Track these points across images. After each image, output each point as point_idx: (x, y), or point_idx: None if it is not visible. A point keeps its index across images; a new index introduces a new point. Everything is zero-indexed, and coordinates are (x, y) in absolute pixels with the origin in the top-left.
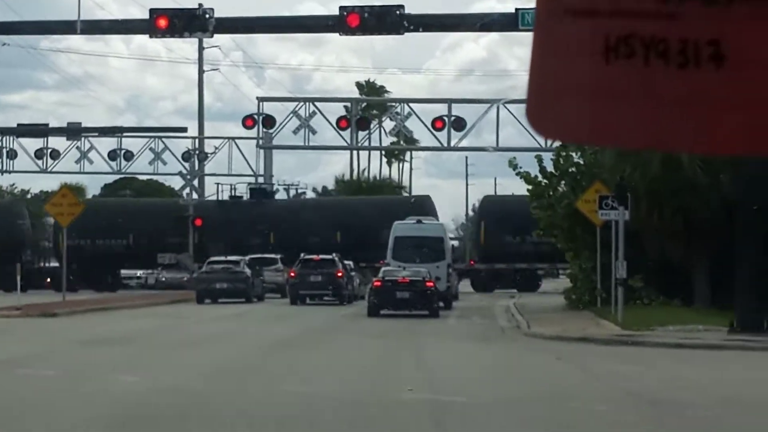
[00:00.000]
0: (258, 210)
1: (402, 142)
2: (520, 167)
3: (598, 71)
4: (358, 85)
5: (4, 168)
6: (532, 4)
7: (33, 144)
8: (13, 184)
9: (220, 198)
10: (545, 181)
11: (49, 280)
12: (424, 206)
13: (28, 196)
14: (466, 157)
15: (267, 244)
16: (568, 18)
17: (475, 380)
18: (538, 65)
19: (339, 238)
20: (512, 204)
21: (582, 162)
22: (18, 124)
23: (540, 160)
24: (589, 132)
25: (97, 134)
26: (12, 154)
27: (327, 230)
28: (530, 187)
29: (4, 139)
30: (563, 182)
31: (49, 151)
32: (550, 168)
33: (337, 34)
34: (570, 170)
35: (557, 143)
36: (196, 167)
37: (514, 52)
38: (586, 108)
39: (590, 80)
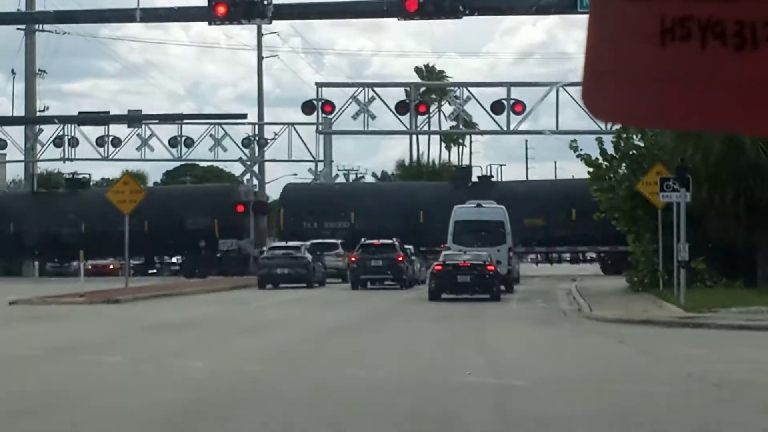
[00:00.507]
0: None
1: (461, 126)
2: (581, 150)
3: (653, 53)
4: (417, 69)
5: (66, 156)
6: None
7: (94, 132)
8: (75, 172)
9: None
10: (606, 163)
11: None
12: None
13: (91, 184)
14: (526, 141)
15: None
16: (623, 1)
17: (536, 364)
18: (593, 48)
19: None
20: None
21: (642, 144)
22: (79, 112)
23: (600, 142)
24: (645, 114)
25: (157, 121)
26: (74, 142)
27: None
28: (591, 170)
29: (66, 127)
30: (624, 164)
31: (111, 138)
32: (610, 150)
33: (395, 19)
34: (630, 152)
35: (617, 126)
36: (256, 153)
37: (573, 35)
38: (642, 90)
39: (646, 62)
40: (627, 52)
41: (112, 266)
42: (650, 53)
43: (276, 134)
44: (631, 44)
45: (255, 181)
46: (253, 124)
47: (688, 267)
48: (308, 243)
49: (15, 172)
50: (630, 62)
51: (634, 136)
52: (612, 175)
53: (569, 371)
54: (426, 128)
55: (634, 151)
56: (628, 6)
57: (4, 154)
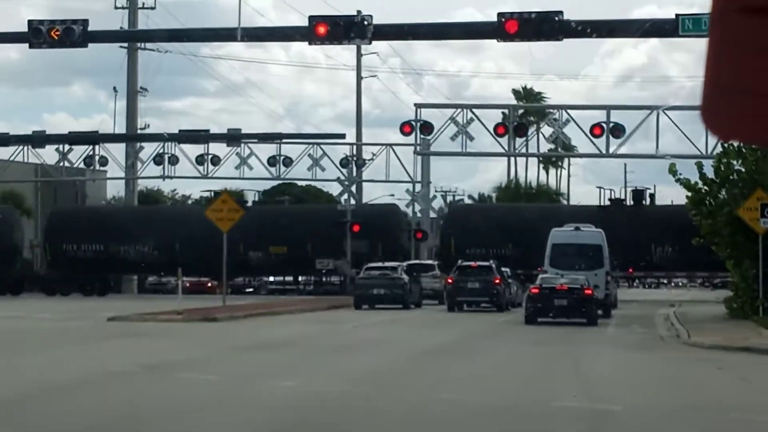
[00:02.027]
0: None
1: (559, 149)
2: (680, 174)
3: None
4: (515, 91)
5: (166, 173)
6: (693, 10)
7: (194, 150)
8: (175, 190)
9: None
10: (705, 188)
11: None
12: None
13: (189, 201)
14: (625, 164)
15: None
16: (743, 16)
17: (632, 389)
18: (712, 64)
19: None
20: None
21: (743, 169)
22: (180, 131)
23: (700, 166)
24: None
25: (256, 140)
26: (173, 160)
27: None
28: (689, 194)
29: (166, 145)
30: (724, 189)
31: (210, 157)
32: (710, 175)
33: (495, 41)
34: (731, 177)
35: (718, 149)
36: (354, 173)
37: (675, 58)
38: (764, 107)
39: None
40: (748, 69)
41: (209, 284)
42: None
43: (374, 155)
44: (752, 60)
45: (352, 201)
46: (352, 144)
47: None
48: (405, 264)
49: (115, 189)
50: (751, 79)
51: (735, 161)
52: (712, 200)
53: (666, 398)
54: (524, 150)
55: (735, 176)
56: (750, 20)
57: (105, 171)
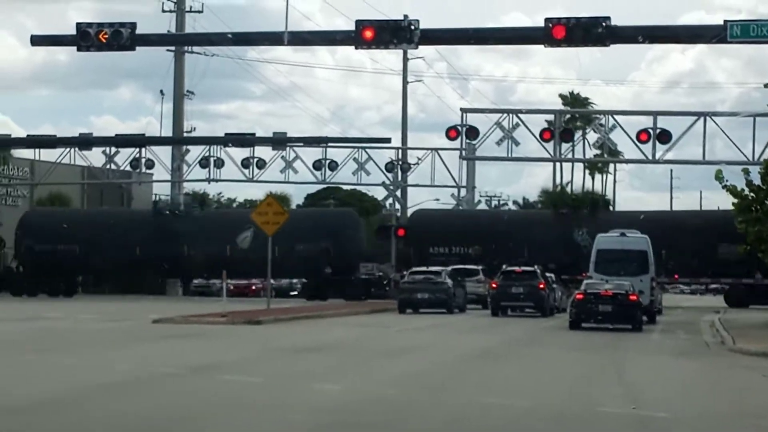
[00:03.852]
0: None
1: (606, 155)
2: (727, 180)
3: None
4: (562, 96)
5: (212, 176)
6: (741, 16)
7: (240, 153)
8: (221, 193)
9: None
10: (752, 194)
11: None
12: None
13: (234, 204)
14: (671, 170)
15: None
16: None
17: (677, 396)
18: None
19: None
20: None
21: None
22: (225, 134)
23: (747, 172)
24: None
25: (302, 144)
26: (219, 163)
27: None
28: (736, 201)
29: (212, 148)
30: None
31: (256, 160)
32: (757, 181)
33: (541, 46)
34: None
35: (766, 156)
36: (399, 178)
37: (722, 64)
38: None
39: None
40: None
41: (254, 287)
42: None
43: (419, 159)
44: None
45: (397, 206)
46: (397, 148)
47: None
48: (449, 268)
49: (162, 191)
50: None
51: None
52: (758, 207)
53: (711, 405)
54: (570, 156)
55: None
56: None
57: (151, 174)
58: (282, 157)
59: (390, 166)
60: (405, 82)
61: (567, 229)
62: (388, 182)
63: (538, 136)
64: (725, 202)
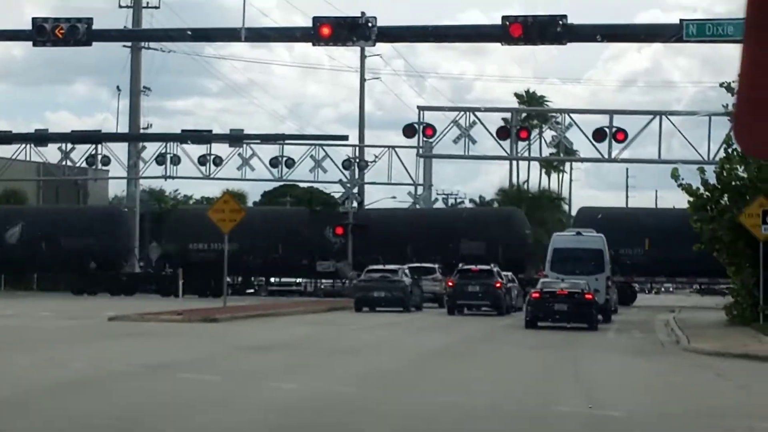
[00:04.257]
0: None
1: (562, 153)
2: (682, 179)
3: None
4: (518, 95)
5: (168, 173)
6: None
7: (197, 150)
8: (177, 190)
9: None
10: (707, 193)
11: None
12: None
13: (191, 201)
14: (627, 169)
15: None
16: None
17: (632, 395)
18: (747, 82)
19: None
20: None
21: (746, 175)
22: (182, 130)
23: (702, 171)
24: None
25: (259, 141)
26: (176, 160)
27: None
28: (691, 199)
29: (169, 145)
30: (726, 195)
31: (212, 157)
32: (712, 180)
33: (498, 44)
34: (733, 183)
35: (721, 155)
36: (356, 175)
37: (678, 63)
38: None
39: None
40: None
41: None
42: None
43: (376, 157)
44: None
45: (354, 203)
46: (354, 146)
47: None
48: (406, 267)
49: (118, 188)
50: None
51: (738, 167)
52: (713, 206)
53: (665, 404)
54: (526, 154)
55: (737, 182)
56: None
57: (107, 171)
58: (239, 154)
59: (347, 164)
60: (362, 80)
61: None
62: (345, 180)
63: (494, 135)
64: (681, 200)
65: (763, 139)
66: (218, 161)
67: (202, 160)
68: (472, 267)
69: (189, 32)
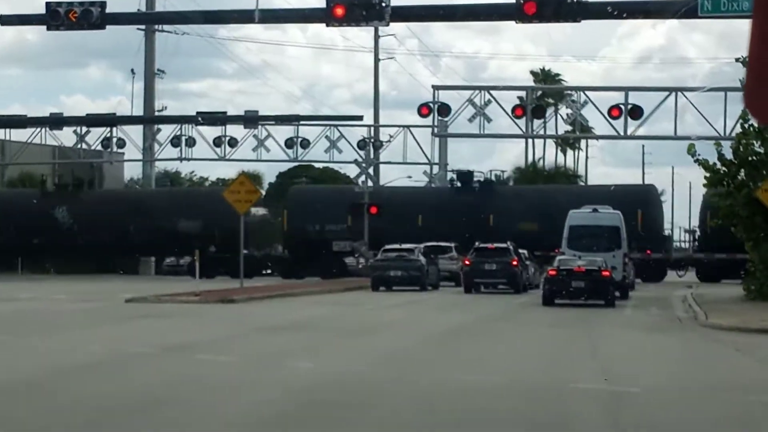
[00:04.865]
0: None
1: (577, 131)
2: (699, 155)
3: None
4: (533, 73)
5: (183, 155)
6: None
7: (211, 132)
8: (192, 172)
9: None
10: (724, 169)
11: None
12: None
13: (207, 183)
14: (643, 146)
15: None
16: None
17: (650, 371)
18: (757, 55)
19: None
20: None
21: (762, 150)
22: (197, 112)
23: (719, 147)
24: None
25: (273, 122)
26: (191, 142)
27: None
28: (708, 175)
29: (184, 127)
30: (743, 170)
31: (227, 139)
32: (729, 156)
33: (513, 22)
34: (750, 158)
35: (737, 130)
36: (371, 155)
37: (693, 39)
38: None
39: None
40: None
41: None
42: None
43: (391, 136)
44: None
45: (370, 183)
46: (369, 126)
47: None
48: (422, 246)
49: (133, 171)
50: None
51: (755, 142)
52: (730, 181)
53: (684, 379)
54: (542, 132)
55: (754, 157)
56: None
57: (123, 153)
58: (254, 135)
59: (362, 144)
60: (376, 60)
61: None
62: (360, 160)
63: (509, 113)
64: (698, 177)
65: None
66: (233, 143)
67: (217, 142)
68: (489, 245)
69: (201, 14)
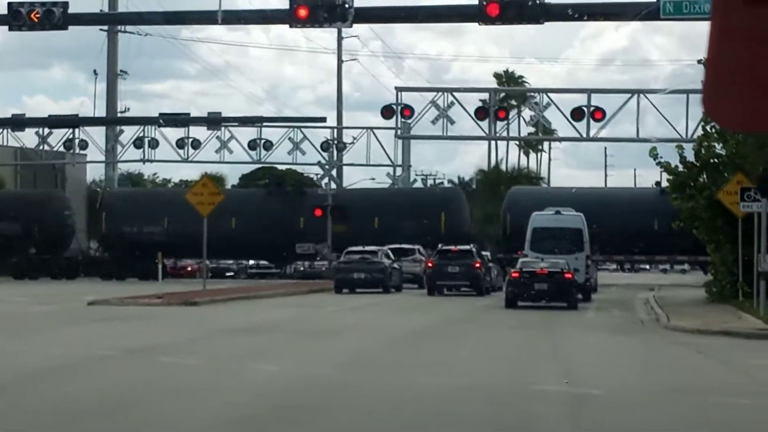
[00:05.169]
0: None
1: (540, 133)
2: (661, 157)
3: None
4: (497, 75)
5: (146, 157)
6: None
7: (174, 133)
8: (156, 173)
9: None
10: (686, 171)
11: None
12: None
13: (170, 184)
14: (605, 148)
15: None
16: (747, 7)
17: (612, 373)
18: (715, 53)
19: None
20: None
21: (724, 152)
22: (160, 114)
23: (681, 149)
24: None
25: (236, 124)
26: (154, 144)
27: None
28: (670, 178)
29: (147, 128)
30: (704, 173)
31: (190, 140)
32: (690, 158)
33: (476, 24)
34: (711, 161)
35: (699, 133)
36: (335, 157)
37: (656, 41)
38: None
39: None
40: (750, 59)
41: (190, 268)
42: None
43: (355, 138)
44: (755, 51)
45: (333, 185)
46: (332, 127)
47: None
48: (385, 248)
49: (96, 172)
50: (753, 67)
51: (716, 144)
52: (692, 184)
53: (646, 381)
54: (505, 134)
55: (715, 160)
56: (752, 11)
57: (85, 155)
58: (217, 137)
59: (325, 146)
60: (340, 61)
61: None
62: (323, 161)
63: (472, 115)
64: (659, 178)
65: (731, 108)
66: (196, 144)
67: (180, 144)
68: (452, 247)
69: (164, 15)
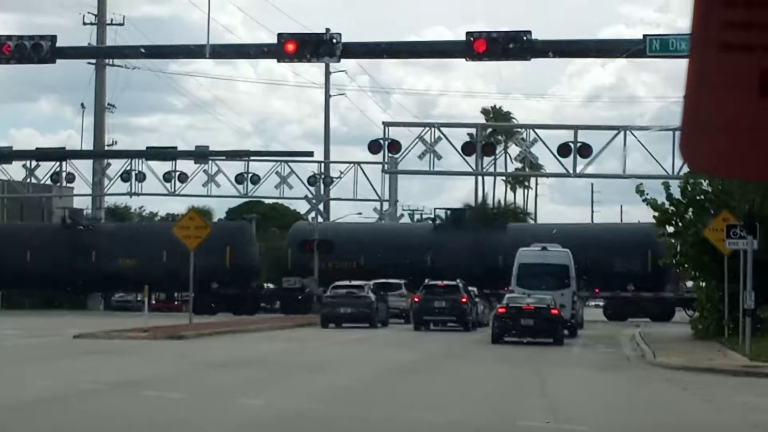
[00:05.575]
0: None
1: (527, 169)
2: (647, 194)
3: (753, 106)
4: (484, 111)
5: (133, 190)
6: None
7: (162, 167)
8: (142, 207)
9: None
10: (672, 208)
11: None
12: None
13: (156, 218)
14: (592, 184)
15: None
16: (722, 52)
17: (598, 409)
18: (692, 97)
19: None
20: None
21: (710, 190)
22: (147, 147)
23: (667, 186)
24: (743, 166)
25: (224, 158)
26: (141, 177)
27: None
28: (656, 214)
29: (134, 161)
30: (691, 210)
31: (178, 174)
32: (677, 195)
33: (463, 59)
34: (698, 198)
35: (685, 170)
36: (322, 191)
37: (642, 78)
38: (742, 142)
39: (745, 115)
40: (726, 104)
41: (176, 302)
42: (750, 106)
43: (342, 173)
44: (730, 96)
45: (320, 219)
46: (320, 162)
47: (754, 315)
48: (371, 283)
49: (83, 205)
50: (729, 114)
51: (702, 181)
52: (678, 220)
53: (631, 418)
54: (492, 170)
55: (702, 197)
56: (727, 56)
57: (72, 188)
58: (204, 170)
59: (312, 180)
60: (327, 96)
61: None
62: (310, 196)
63: (459, 150)
64: (646, 215)
65: (706, 153)
66: (183, 178)
67: (168, 177)
68: (438, 282)
69: (150, 49)
